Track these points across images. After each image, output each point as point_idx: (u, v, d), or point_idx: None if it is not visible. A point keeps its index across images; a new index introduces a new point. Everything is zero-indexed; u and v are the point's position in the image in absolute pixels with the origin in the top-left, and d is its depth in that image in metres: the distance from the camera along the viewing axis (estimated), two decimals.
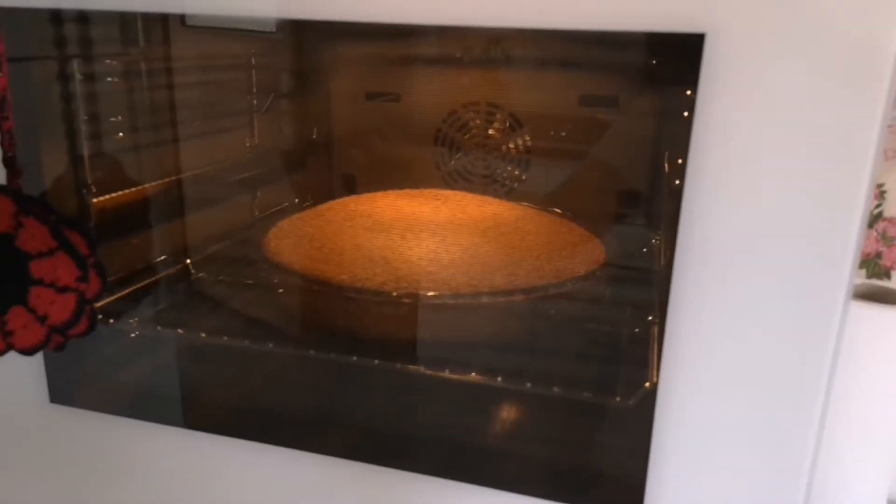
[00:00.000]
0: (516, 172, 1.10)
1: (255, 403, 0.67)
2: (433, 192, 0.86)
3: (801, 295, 0.45)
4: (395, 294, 0.64)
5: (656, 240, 0.97)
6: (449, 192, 0.86)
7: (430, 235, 0.71)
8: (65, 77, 0.67)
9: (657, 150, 1.02)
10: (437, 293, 0.64)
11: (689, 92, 0.42)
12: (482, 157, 1.10)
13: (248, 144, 1.03)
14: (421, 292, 0.64)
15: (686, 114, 0.43)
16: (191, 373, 0.71)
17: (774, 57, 0.40)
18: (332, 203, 0.84)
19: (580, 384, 0.60)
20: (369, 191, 0.95)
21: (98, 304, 0.69)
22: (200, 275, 0.86)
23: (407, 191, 0.87)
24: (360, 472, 0.59)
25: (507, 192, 1.11)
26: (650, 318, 0.72)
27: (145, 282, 0.79)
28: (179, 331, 0.72)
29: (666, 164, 0.98)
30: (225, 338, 0.68)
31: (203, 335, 0.70)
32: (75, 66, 0.67)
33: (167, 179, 0.82)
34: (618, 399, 0.58)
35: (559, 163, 1.06)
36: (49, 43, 0.65)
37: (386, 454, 0.59)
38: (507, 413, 0.71)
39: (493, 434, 0.68)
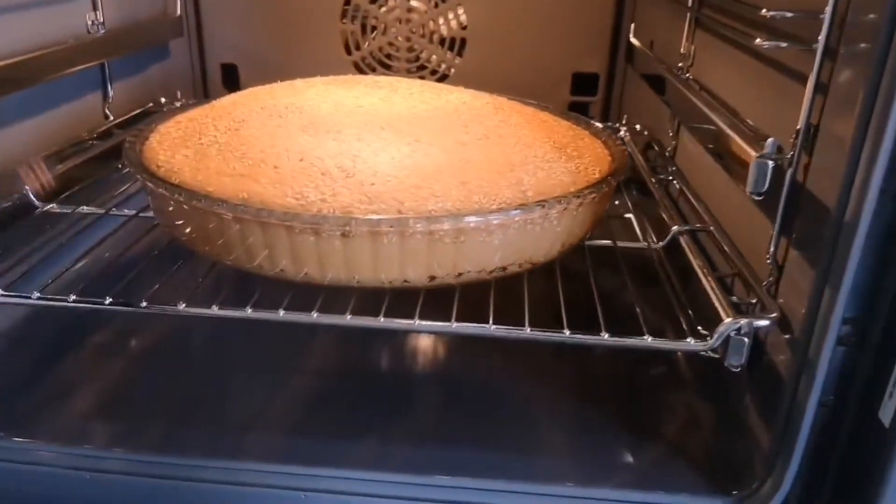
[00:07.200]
0: (448, 55, 0.90)
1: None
2: (371, 78, 0.65)
3: None
4: (369, 220, 0.44)
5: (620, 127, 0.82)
6: (392, 79, 0.65)
7: (395, 135, 0.51)
8: None
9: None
10: (428, 214, 0.45)
11: None
12: (406, 35, 0.89)
13: (89, 21, 0.74)
14: (406, 214, 0.45)
15: None
16: None
17: None
18: (236, 96, 0.61)
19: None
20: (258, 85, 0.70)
21: None
22: (49, 207, 0.60)
23: (334, 77, 0.65)
24: None
25: (439, 80, 0.91)
26: (676, 228, 0.57)
27: None
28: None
29: None
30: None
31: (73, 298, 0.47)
32: None
33: None
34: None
35: (502, 42, 0.87)
36: None
37: None
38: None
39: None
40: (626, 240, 0.60)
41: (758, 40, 0.45)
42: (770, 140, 0.42)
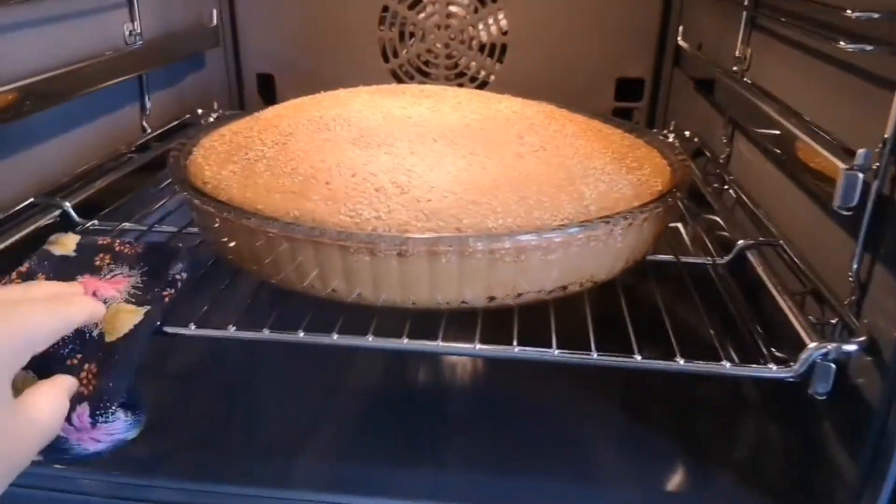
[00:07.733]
0: (488, 61, 0.87)
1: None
2: (416, 87, 0.63)
3: None
4: (427, 239, 0.42)
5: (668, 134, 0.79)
6: (438, 87, 0.63)
7: (449, 147, 0.49)
8: None
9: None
10: (489, 232, 0.42)
11: None
12: (444, 42, 0.86)
13: (127, 32, 0.73)
14: (465, 233, 0.42)
15: None
16: None
17: None
18: (279, 108, 0.59)
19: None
20: (293, 95, 0.68)
21: None
22: (90, 224, 0.59)
23: (378, 87, 0.63)
24: None
25: (478, 87, 0.88)
26: (742, 242, 0.54)
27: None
28: None
29: None
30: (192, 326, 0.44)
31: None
32: None
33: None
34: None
35: (543, 48, 0.85)
36: None
37: None
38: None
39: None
40: (671, 251, 0.57)
41: (841, 43, 0.42)
42: (862, 151, 0.39)
